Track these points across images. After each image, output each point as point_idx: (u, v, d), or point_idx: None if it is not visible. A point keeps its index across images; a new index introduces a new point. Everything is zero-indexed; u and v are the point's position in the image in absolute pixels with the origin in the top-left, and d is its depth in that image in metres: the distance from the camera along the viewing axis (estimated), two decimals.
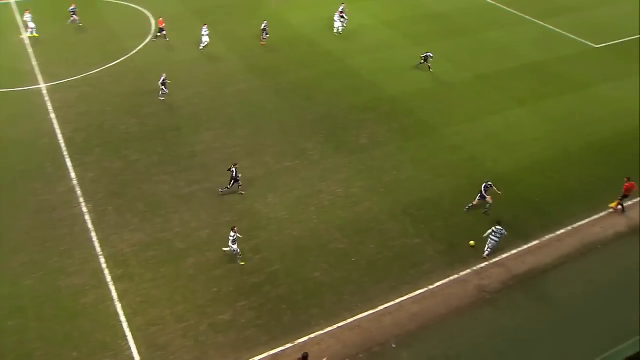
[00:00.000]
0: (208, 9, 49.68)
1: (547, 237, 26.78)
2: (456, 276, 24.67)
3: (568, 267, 25.30)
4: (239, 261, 24.91)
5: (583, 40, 47.14)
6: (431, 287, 24.13)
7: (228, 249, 24.85)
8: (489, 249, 25.31)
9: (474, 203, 27.84)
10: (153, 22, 47.13)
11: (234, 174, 28.06)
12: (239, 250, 24.78)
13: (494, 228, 25.17)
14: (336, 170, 30.62)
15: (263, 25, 43.91)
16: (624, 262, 25.51)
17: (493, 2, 54.78)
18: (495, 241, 25.09)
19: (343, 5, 47.41)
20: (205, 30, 42.52)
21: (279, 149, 32.05)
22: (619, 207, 28.44)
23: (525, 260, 25.53)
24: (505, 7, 53.69)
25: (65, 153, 31.34)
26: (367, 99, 37.29)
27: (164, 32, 44.06)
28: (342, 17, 46.53)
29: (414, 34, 46.87)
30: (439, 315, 22.95)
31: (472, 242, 26.02)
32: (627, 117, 36.38)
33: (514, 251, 25.95)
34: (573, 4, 55.18)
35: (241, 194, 28.53)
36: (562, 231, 27.14)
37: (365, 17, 49.43)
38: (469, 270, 24.94)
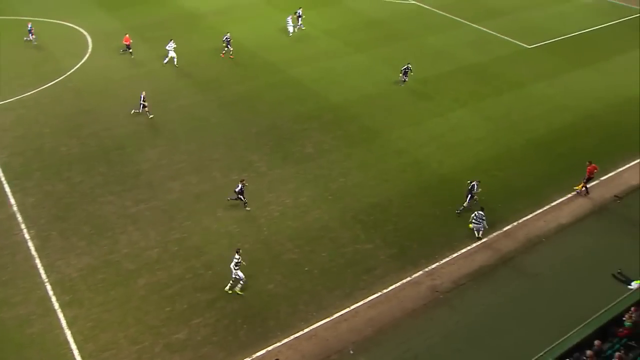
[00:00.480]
0: (146, 25, 49.03)
1: (494, 233, 27.42)
2: (409, 278, 24.98)
3: (516, 261, 25.97)
4: (237, 290, 23.88)
5: (516, 42, 48.69)
6: (385, 291, 24.35)
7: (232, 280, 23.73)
8: (478, 231, 26.92)
9: (465, 205, 28.33)
10: (90, 40, 46.18)
11: (240, 188, 27.95)
12: (243, 277, 23.68)
13: (475, 213, 26.77)
14: (284, 180, 30.60)
15: (225, 37, 43.81)
16: (568, 252, 26.37)
17: (429, 7, 56.00)
18: (478, 224, 26.66)
19: (300, 9, 49.15)
20: (171, 45, 42.13)
21: (226, 163, 31.83)
22: (584, 189, 29.96)
23: (475, 258, 26.07)
24: (440, 12, 54.96)
25: (3, 179, 30.30)
26: (311, 108, 37.47)
27: (131, 50, 43.43)
28: (299, 19, 48.39)
29: (354, 42, 47.42)
30: (394, 319, 23.16)
31: (471, 225, 27.12)
32: (561, 114, 37.75)
33: (463, 250, 26.45)
34: (504, 7, 56.95)
35: (247, 210, 28.29)
36: (508, 227, 27.84)
37: (305, 27, 49.70)
38: (421, 272, 25.29)
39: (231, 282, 23.96)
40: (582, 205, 29.44)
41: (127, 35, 43.95)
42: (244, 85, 40.01)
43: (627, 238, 27.00)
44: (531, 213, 28.71)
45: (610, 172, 31.92)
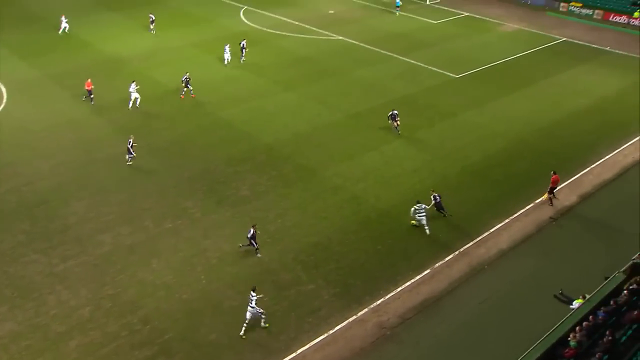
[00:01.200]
0: (67, 73, 48.08)
1: (437, 264, 27.80)
2: (354, 317, 24.89)
3: (460, 290, 26.34)
4: (262, 322, 24.07)
5: (444, 72, 50.41)
6: (331, 331, 24.15)
7: (252, 311, 23.77)
8: (426, 227, 29.22)
9: (445, 215, 30.69)
10: (4, 90, 44.83)
11: (252, 233, 27.56)
12: (262, 311, 23.93)
13: (415, 207, 29.53)
14: (220, 225, 30.21)
15: (184, 77, 44.02)
16: (510, 277, 26.99)
17: (356, 42, 57.40)
18: (424, 215, 29.39)
19: (244, 40, 51.54)
20: (133, 87, 41.97)
21: (159, 211, 31.20)
22: (549, 199, 32.24)
23: (420, 290, 26.29)
24: (368, 46, 56.41)
25: None
26: (243, 149, 37.40)
27: (92, 96, 42.69)
28: (242, 50, 50.79)
29: (283, 80, 47.94)
30: (343, 359, 22.95)
31: (413, 222, 29.22)
32: (493, 140, 39.11)
33: (407, 283, 26.64)
34: (430, 40, 59.10)
35: (258, 256, 27.86)
36: (450, 257, 28.29)
37: (231, 67, 49.93)
38: (366, 309, 25.26)
39: (245, 324, 23.74)
40: (519, 229, 30.31)
41: (89, 80, 42.98)
42: (174, 130, 39.62)
43: (565, 258, 27.97)
44: (471, 241, 29.31)
45: (544, 194, 33.07)
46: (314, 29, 62.12)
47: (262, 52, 53.87)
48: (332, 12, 69.16)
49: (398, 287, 26.37)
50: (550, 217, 31.14)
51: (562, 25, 67.04)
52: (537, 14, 72.05)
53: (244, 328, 23.78)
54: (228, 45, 50.88)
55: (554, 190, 32.34)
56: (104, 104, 42.78)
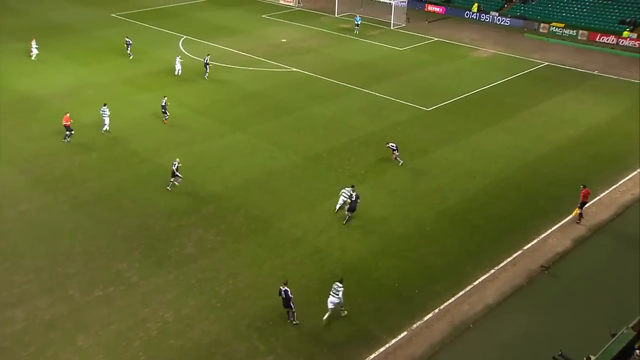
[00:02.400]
0: None
1: (415, 325, 27.71)
2: None
3: (443, 355, 26.22)
4: (342, 313, 27.84)
5: (414, 105, 51.35)
6: None
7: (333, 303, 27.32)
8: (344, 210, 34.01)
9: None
10: None
11: (285, 293, 27.24)
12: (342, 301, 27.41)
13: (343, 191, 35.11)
14: (161, 290, 29.67)
15: (163, 102, 46.90)
16: (500, 336, 27.04)
17: (313, 74, 58.21)
18: (344, 200, 35.08)
19: (208, 55, 57.42)
20: (105, 111, 44.74)
21: (86, 277, 30.50)
22: (579, 214, 35.16)
23: (397, 355, 26.10)
24: (326, 78, 57.27)
25: None
26: (187, 200, 37.14)
27: (72, 132, 43.74)
28: (206, 66, 56.44)
29: (231, 119, 48.13)
30: None
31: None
32: (472, 179, 39.72)
33: (382, 349, 26.44)
34: (396, 69, 60.42)
35: (295, 324, 27.66)
36: (429, 315, 28.25)
37: (172, 107, 49.96)
38: None
39: (327, 313, 27.47)
40: (507, 280, 30.54)
41: (67, 115, 43.87)
42: (103, 181, 39.15)
43: (562, 312, 28.20)
44: (453, 296, 29.36)
45: (533, 239, 33.55)
46: (265, 60, 62.90)
47: (205, 88, 54.10)
48: (285, 40, 70.29)
49: (371, 354, 26.13)
50: (542, 266, 31.48)
51: (543, 48, 69.42)
52: (515, 37, 74.53)
53: (327, 315, 27.58)
54: (179, 57, 57.11)
55: (585, 206, 35.12)
56: (15, 151, 42.11)
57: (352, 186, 35.36)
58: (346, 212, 34.94)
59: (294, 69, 60.03)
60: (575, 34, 73.34)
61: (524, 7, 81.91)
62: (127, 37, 63.65)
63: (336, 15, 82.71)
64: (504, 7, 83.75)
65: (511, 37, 74.21)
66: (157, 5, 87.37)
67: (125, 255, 32.23)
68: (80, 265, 31.39)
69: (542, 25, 76.33)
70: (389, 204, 37.03)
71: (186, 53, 64.13)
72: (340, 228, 34.55)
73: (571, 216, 35.45)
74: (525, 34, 75.51)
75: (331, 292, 27.36)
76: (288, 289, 27.25)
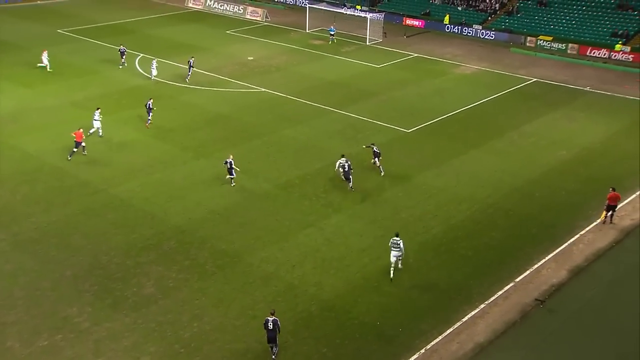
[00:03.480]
0: None
1: None
2: None
3: None
4: (399, 264, 33.13)
5: (392, 126, 51.64)
6: None
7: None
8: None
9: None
10: None
11: (274, 324, 27.23)
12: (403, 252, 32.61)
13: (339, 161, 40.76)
14: (116, 336, 29.19)
15: (149, 103, 50.56)
16: None
17: (283, 95, 58.39)
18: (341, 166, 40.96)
19: (193, 58, 62.58)
20: (97, 116, 48.17)
21: (29, 325, 29.82)
22: (607, 218, 37.63)
23: None
24: (297, 99, 57.47)
25: None
26: (146, 235, 36.79)
27: (84, 145, 45.60)
28: (190, 69, 61.56)
29: (194, 145, 47.93)
30: None
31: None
32: (457, 206, 39.83)
33: None
34: (372, 89, 60.89)
35: None
36: (415, 356, 28.07)
37: (128, 131, 49.69)
38: None
39: (392, 268, 32.61)
40: (499, 316, 30.50)
41: (80, 131, 45.52)
42: (50, 215, 38.62)
43: (561, 352, 28.15)
44: (440, 335, 29.23)
45: (526, 270, 33.62)
46: (230, 80, 63.01)
47: (165, 110, 53.92)
48: (252, 58, 70.56)
49: None
50: (537, 299, 31.50)
51: (530, 64, 70.43)
52: (500, 51, 75.59)
53: (392, 272, 32.58)
54: (155, 60, 62.10)
55: (615, 209, 37.49)
56: None
57: (342, 155, 41.84)
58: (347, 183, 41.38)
59: (262, 89, 60.13)
60: (564, 47, 74.52)
61: (509, 20, 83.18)
62: (121, 45, 67.01)
63: (307, 31, 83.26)
64: (488, 19, 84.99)
65: (496, 52, 75.22)
66: (109, 21, 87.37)
67: (75, 298, 31.69)
68: (22, 312, 30.69)
69: (528, 38, 77.49)
70: (368, 234, 36.96)
71: (143, 72, 63.99)
72: (315, 262, 34.39)
73: (599, 220, 37.99)
74: (511, 49, 76.59)
75: (392, 247, 32.62)
76: (277, 319, 27.27)
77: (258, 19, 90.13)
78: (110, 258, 34.70)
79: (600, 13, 78.94)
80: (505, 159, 46.35)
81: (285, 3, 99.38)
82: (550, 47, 75.35)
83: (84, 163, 44.56)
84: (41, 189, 41.50)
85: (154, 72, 61.37)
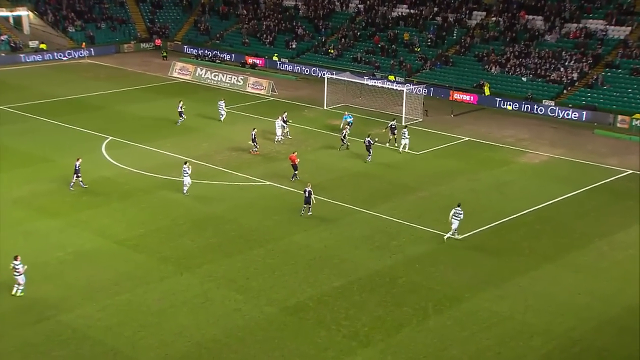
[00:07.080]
0: None
1: None
2: None
3: None
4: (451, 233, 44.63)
5: (437, 231, 51.22)
6: None
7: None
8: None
9: None
10: None
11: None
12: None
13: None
14: None
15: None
16: None
17: (293, 190, 58.38)
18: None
19: (285, 112, 72.79)
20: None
21: None
22: None
23: None
24: (332, 201, 57.30)
25: None
26: None
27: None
28: (284, 124, 71.42)
29: (177, 255, 47.67)
30: None
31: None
32: (526, 341, 38.83)
33: None
34: (411, 181, 60.77)
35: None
36: None
37: (90, 237, 49.60)
38: None
39: (453, 231, 46.77)
40: None
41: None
42: None
43: None
44: None
45: None
46: (225, 170, 63.37)
47: (138, 209, 53.98)
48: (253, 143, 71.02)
49: None
50: None
51: (622, 150, 70.28)
52: (580, 134, 75.81)
53: (455, 233, 47.97)
54: (223, 101, 76.79)
55: None
56: None
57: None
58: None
59: (267, 182, 60.30)
60: None
61: (592, 93, 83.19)
62: (180, 102, 76.97)
63: (325, 108, 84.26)
64: (563, 93, 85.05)
65: (575, 135, 75.36)
66: (70, 95, 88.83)
67: None
68: None
69: (619, 117, 77.37)
70: None
71: (111, 160, 64.46)
72: None
73: None
74: (596, 131, 76.63)
75: (453, 217, 48.62)
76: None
77: (262, 92, 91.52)
78: None
79: None
80: (592, 278, 45.48)
81: (298, 73, 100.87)
82: None
83: (29, 280, 44.08)
84: None
85: (223, 114, 76.17)
